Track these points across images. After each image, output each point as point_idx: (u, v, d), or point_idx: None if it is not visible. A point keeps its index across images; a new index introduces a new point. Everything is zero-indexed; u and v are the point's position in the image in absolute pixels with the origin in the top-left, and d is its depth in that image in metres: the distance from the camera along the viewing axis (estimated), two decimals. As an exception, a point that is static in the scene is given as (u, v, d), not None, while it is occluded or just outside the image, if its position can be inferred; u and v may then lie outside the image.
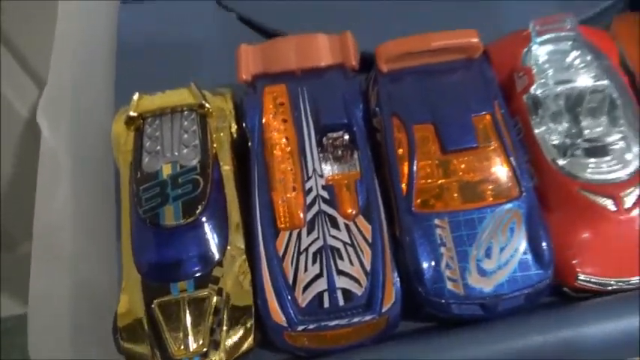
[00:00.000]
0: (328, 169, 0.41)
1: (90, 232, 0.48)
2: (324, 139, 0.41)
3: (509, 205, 0.37)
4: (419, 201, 0.38)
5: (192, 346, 0.35)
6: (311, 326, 0.36)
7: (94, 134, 0.54)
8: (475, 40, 0.41)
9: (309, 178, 0.40)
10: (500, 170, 0.38)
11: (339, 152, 0.42)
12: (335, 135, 0.41)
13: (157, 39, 0.56)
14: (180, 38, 0.56)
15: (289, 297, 0.36)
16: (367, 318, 0.36)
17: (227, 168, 0.41)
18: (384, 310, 0.36)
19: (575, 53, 0.42)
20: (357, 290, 0.36)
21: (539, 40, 0.43)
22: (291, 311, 0.36)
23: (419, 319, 0.38)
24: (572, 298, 0.38)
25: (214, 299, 0.36)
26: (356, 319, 0.36)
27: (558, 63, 0.42)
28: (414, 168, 0.38)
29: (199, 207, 0.38)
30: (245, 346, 0.36)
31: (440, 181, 0.39)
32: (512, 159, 0.38)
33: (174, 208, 0.38)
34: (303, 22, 0.53)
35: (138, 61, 0.55)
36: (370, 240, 0.38)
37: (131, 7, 0.60)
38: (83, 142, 0.52)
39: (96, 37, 0.60)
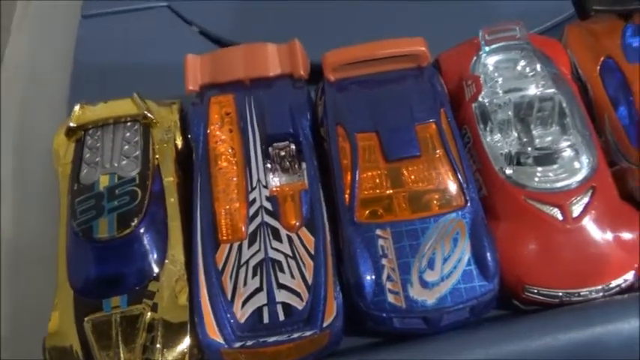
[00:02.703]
0: (276, 179, 0.40)
1: (32, 255, 0.47)
2: (270, 149, 0.40)
3: (452, 215, 0.36)
4: (364, 211, 0.37)
5: (123, 365, 0.34)
6: (249, 343, 0.34)
7: (42, 151, 0.53)
8: (422, 48, 0.41)
9: (253, 189, 0.39)
10: (446, 180, 0.37)
11: (287, 163, 0.41)
12: (281, 145, 0.40)
13: (115, 54, 0.56)
14: (139, 53, 0.56)
15: (227, 312, 0.35)
16: (308, 333, 0.34)
17: (170, 180, 0.40)
18: (325, 325, 0.34)
19: (524, 62, 0.42)
20: (298, 304, 0.35)
21: (488, 48, 0.42)
22: (229, 327, 0.35)
23: (363, 334, 0.37)
24: (522, 310, 0.37)
25: (148, 315, 0.35)
26: (296, 335, 0.34)
27: (508, 71, 0.42)
28: (357, 178, 0.37)
29: (135, 219, 0.37)
30: (182, 365, 0.35)
31: (388, 192, 0.38)
32: (457, 168, 0.37)
33: (108, 221, 0.37)
34: (261, 34, 0.53)
35: (94, 76, 0.54)
36: (313, 252, 0.36)
37: (90, 23, 0.59)
38: (29, 160, 0.51)
39: (51, 52, 0.60)
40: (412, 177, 0.38)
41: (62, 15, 0.63)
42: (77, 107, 0.42)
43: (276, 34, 0.48)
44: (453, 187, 0.37)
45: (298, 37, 0.48)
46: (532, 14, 0.52)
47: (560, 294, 0.35)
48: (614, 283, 0.35)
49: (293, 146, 0.41)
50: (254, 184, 0.39)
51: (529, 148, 0.39)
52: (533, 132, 0.40)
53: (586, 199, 0.36)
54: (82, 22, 0.60)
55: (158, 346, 0.34)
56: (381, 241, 0.36)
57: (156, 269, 0.36)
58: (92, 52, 0.57)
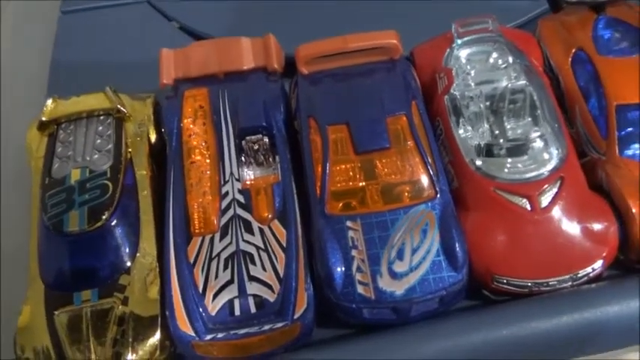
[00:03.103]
0: (250, 173, 0.40)
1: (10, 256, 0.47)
2: (244, 142, 0.40)
3: (422, 207, 0.36)
4: (336, 204, 0.37)
5: (94, 358, 0.34)
6: (220, 335, 0.34)
7: (21, 147, 0.53)
8: (393, 41, 0.41)
9: (225, 182, 0.39)
10: (416, 172, 0.37)
11: (261, 156, 0.41)
12: (254, 138, 0.40)
13: (94, 50, 0.56)
14: (119, 48, 0.55)
15: (199, 305, 0.35)
16: (279, 325, 0.34)
17: (143, 173, 0.40)
18: (296, 317, 0.35)
19: (496, 54, 0.42)
20: (270, 297, 0.35)
21: (460, 41, 0.43)
22: (200, 320, 0.35)
23: (335, 325, 0.37)
24: (492, 300, 0.37)
25: (119, 309, 0.35)
26: (267, 327, 0.34)
27: (480, 64, 0.42)
28: (327, 170, 0.37)
29: (106, 213, 0.37)
30: (152, 359, 0.35)
31: (361, 184, 0.38)
32: (427, 160, 0.37)
33: (79, 215, 0.36)
34: (241, 29, 0.52)
35: (72, 72, 0.53)
36: (285, 244, 0.36)
37: (70, 19, 0.59)
38: (7, 156, 0.51)
39: (32, 48, 0.59)
40: (385, 169, 0.38)
41: (42, 11, 0.63)
42: (49, 101, 0.42)
43: (255, 29, 0.47)
44: (423, 178, 0.37)
45: (277, 31, 0.48)
46: (510, 8, 0.53)
47: (529, 284, 0.35)
48: (581, 273, 0.35)
49: (266, 139, 0.41)
50: (227, 178, 0.39)
51: (501, 140, 0.40)
52: (505, 123, 0.41)
53: (554, 190, 0.36)
54: (61, 17, 0.60)
55: (129, 339, 0.34)
56: (351, 233, 0.36)
57: (127, 263, 0.36)
58: (71, 47, 0.57)
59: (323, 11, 0.55)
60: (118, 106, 0.41)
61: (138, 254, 0.37)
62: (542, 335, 0.34)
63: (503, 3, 0.53)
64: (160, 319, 0.35)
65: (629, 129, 0.39)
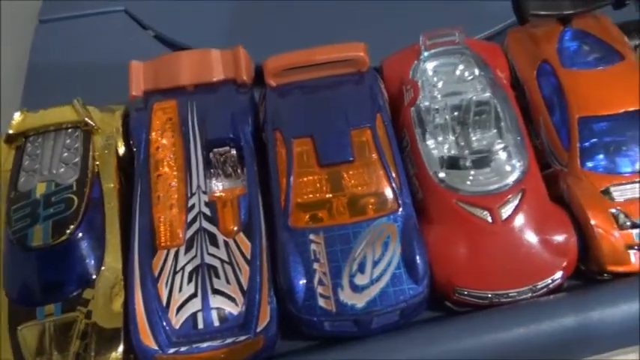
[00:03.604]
0: (219, 185, 0.40)
1: None
2: (211, 154, 0.41)
3: (384, 220, 0.36)
4: (301, 216, 0.37)
5: (56, 373, 0.34)
6: (183, 349, 0.34)
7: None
8: (360, 53, 0.41)
9: (192, 195, 0.39)
10: (379, 184, 0.38)
11: (229, 168, 0.41)
12: (221, 150, 0.41)
13: (70, 59, 0.56)
14: (94, 57, 0.56)
15: (162, 319, 0.35)
16: (241, 339, 0.35)
17: (110, 186, 0.40)
18: (259, 330, 0.35)
19: (463, 66, 0.43)
20: (233, 310, 0.35)
21: (427, 53, 0.43)
22: (163, 334, 0.35)
23: (300, 337, 0.37)
24: (455, 312, 0.37)
25: (82, 323, 0.35)
26: (229, 340, 0.35)
27: (446, 76, 0.43)
28: (291, 183, 0.37)
29: (71, 227, 0.37)
30: (116, 372, 0.35)
31: (327, 196, 0.38)
32: (390, 173, 0.38)
33: (43, 229, 0.37)
34: (216, 39, 0.53)
35: (48, 81, 0.54)
36: (249, 257, 0.37)
37: (47, 27, 0.59)
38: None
39: (10, 58, 0.59)
40: (352, 181, 0.39)
41: (20, 20, 0.63)
42: (17, 114, 0.42)
43: (230, 39, 0.48)
44: (386, 191, 0.38)
45: (252, 42, 0.48)
46: (482, 18, 0.53)
47: (490, 295, 0.36)
48: (541, 284, 0.36)
49: (234, 151, 0.41)
50: (194, 190, 0.39)
51: (466, 151, 0.40)
52: (471, 135, 0.41)
53: (515, 202, 0.37)
54: (38, 26, 0.60)
55: (91, 353, 0.34)
56: (313, 246, 0.36)
57: (92, 276, 0.37)
58: (47, 56, 0.57)
59: (297, 22, 0.55)
60: (86, 119, 0.41)
61: (103, 268, 0.37)
62: (503, 346, 0.35)
63: (477, 12, 0.54)
64: (123, 332, 0.35)
65: (591, 141, 0.39)
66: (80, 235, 0.37)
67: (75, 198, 0.38)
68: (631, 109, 0.39)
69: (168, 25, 0.57)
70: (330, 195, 0.38)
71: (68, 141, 0.41)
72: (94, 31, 0.59)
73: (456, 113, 0.41)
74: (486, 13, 0.54)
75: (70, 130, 0.42)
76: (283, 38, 0.54)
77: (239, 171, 0.41)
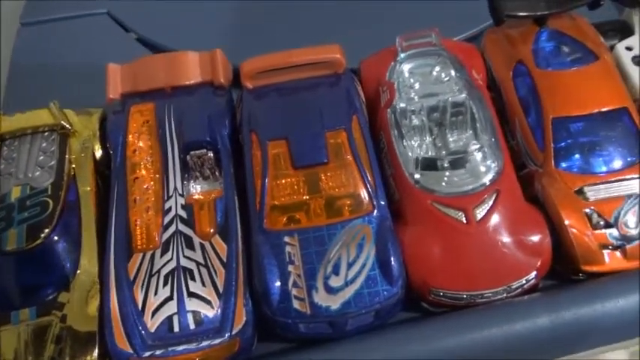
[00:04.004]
0: (197, 187, 0.40)
1: None
2: (188, 157, 0.41)
3: (359, 221, 0.36)
4: (277, 218, 0.37)
5: (30, 377, 0.34)
6: (158, 352, 0.34)
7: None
8: (337, 55, 0.41)
9: (169, 198, 0.39)
10: (355, 186, 0.38)
11: (207, 170, 0.41)
12: (198, 153, 0.41)
13: (52, 61, 0.56)
14: (76, 59, 0.56)
15: (137, 322, 0.35)
16: (217, 341, 0.35)
17: (87, 189, 0.40)
18: (234, 332, 0.35)
19: (439, 68, 0.43)
20: (209, 312, 0.35)
21: (404, 55, 0.43)
22: (139, 337, 0.35)
23: (277, 339, 0.37)
24: (431, 312, 0.38)
25: (57, 327, 0.35)
26: (205, 343, 0.34)
27: (423, 77, 0.43)
28: (266, 185, 0.37)
29: (45, 230, 0.37)
30: (90, 376, 0.35)
31: (304, 197, 0.38)
32: (364, 175, 0.38)
33: (17, 233, 0.36)
34: (197, 41, 0.53)
35: (29, 84, 0.54)
36: (225, 260, 0.37)
37: (29, 30, 0.59)
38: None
39: None
40: (329, 183, 0.39)
41: (1, 23, 0.63)
42: (-7, 118, 0.42)
43: (212, 42, 0.48)
44: (362, 193, 0.38)
45: (233, 44, 0.48)
46: (464, 19, 0.54)
47: (465, 296, 0.36)
48: (515, 284, 0.36)
49: (211, 154, 0.41)
50: (170, 193, 0.39)
51: (443, 152, 0.40)
52: (448, 136, 0.41)
53: (490, 203, 0.37)
54: (20, 29, 0.60)
55: (66, 358, 0.34)
56: (288, 248, 0.36)
57: (67, 280, 0.36)
58: (30, 59, 0.57)
59: (277, 26, 0.56)
60: (62, 122, 0.41)
61: (78, 271, 0.37)
62: (479, 346, 0.35)
63: (456, 14, 0.54)
64: (98, 336, 0.35)
65: (566, 141, 0.39)
66: (55, 238, 0.37)
67: (50, 201, 0.38)
68: (605, 109, 0.40)
69: (151, 27, 0.57)
70: (307, 197, 0.38)
71: (44, 144, 0.41)
72: (77, 34, 0.59)
73: (432, 114, 0.41)
74: (468, 15, 0.54)
75: (46, 134, 0.42)
76: (264, 41, 0.55)
77: (216, 173, 0.41)
